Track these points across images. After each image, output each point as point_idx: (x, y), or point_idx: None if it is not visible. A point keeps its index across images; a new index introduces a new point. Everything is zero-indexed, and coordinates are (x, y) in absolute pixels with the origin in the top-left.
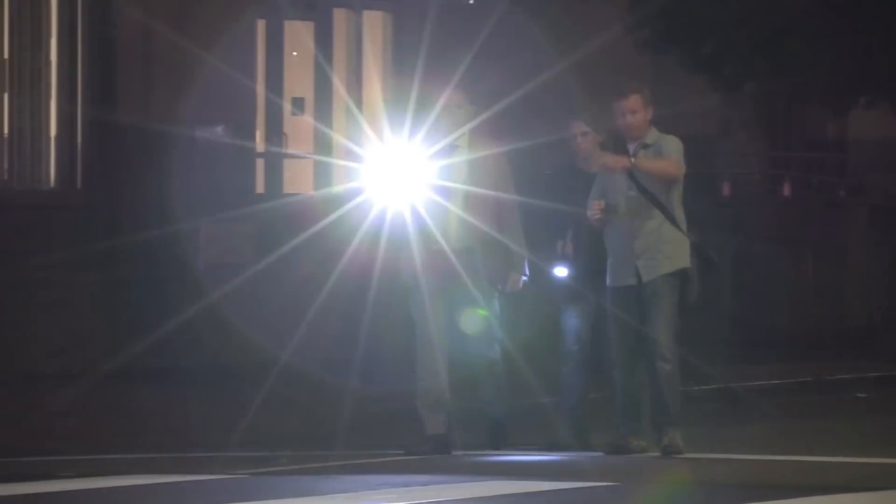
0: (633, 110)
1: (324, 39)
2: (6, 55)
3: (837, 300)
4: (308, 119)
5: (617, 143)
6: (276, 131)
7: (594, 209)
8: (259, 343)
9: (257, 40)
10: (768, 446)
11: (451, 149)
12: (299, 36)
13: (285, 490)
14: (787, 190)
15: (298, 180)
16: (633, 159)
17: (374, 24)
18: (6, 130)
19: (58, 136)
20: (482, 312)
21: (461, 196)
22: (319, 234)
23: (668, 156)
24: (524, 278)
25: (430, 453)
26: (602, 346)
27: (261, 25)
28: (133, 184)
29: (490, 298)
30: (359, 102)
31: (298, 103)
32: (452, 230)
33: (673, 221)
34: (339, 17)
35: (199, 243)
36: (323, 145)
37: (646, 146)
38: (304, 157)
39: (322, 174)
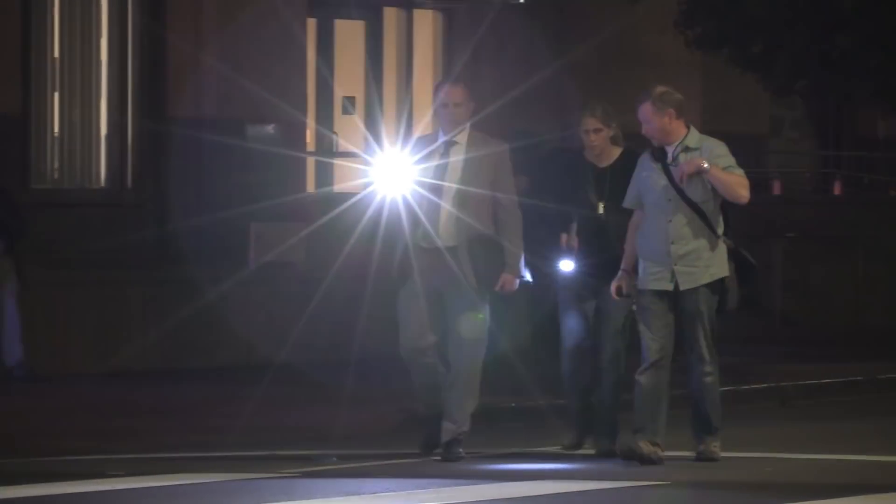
0: (646, 120)
1: (374, 38)
2: (56, 54)
3: (889, 299)
4: (358, 118)
5: (659, 148)
6: (326, 130)
7: (615, 292)
8: (308, 341)
9: (308, 39)
10: (817, 446)
11: (449, 146)
12: (350, 35)
13: (333, 490)
14: (837, 189)
15: (349, 179)
16: (706, 165)
17: (425, 23)
18: (56, 129)
19: (108, 135)
20: (480, 317)
21: (454, 193)
22: (366, 233)
23: (725, 165)
24: (523, 279)
25: (422, 451)
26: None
27: (311, 24)
28: (183, 182)
29: (481, 298)
30: (409, 101)
31: (349, 102)
32: (442, 228)
33: (712, 227)
34: (390, 15)
35: (250, 242)
36: (373, 144)
37: (688, 149)
38: (355, 156)
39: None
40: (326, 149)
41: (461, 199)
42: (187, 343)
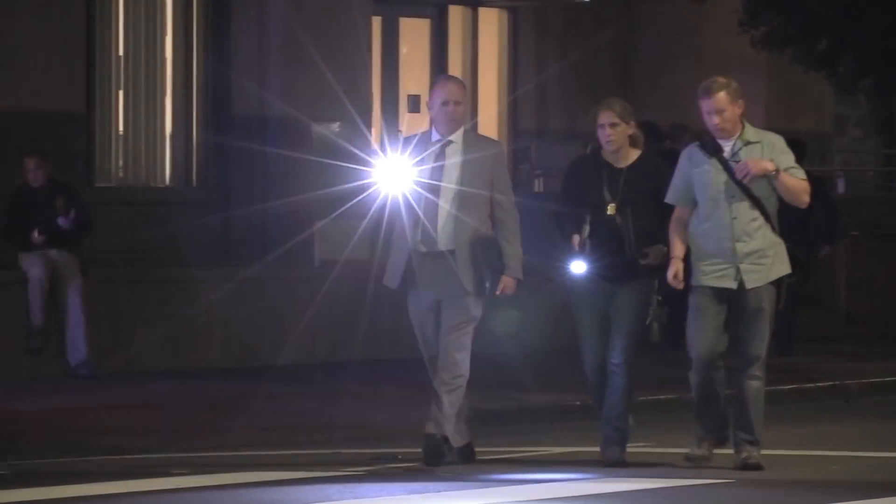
0: (721, 108)
1: (439, 36)
2: (121, 52)
3: None
4: (423, 116)
5: (711, 143)
6: (391, 128)
7: (673, 279)
8: (373, 340)
9: (373, 37)
10: (881, 444)
11: (445, 145)
12: (415, 33)
13: (398, 489)
14: None
15: None
16: (776, 167)
17: (490, 21)
18: (120, 128)
19: (172, 134)
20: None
21: (453, 194)
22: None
23: (787, 165)
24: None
25: (425, 462)
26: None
27: (376, 22)
28: (248, 181)
29: (477, 303)
30: (475, 98)
31: (414, 100)
32: (441, 230)
33: (773, 224)
34: (455, 13)
35: (315, 240)
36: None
37: (749, 143)
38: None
39: None
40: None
41: (460, 200)
42: (251, 341)
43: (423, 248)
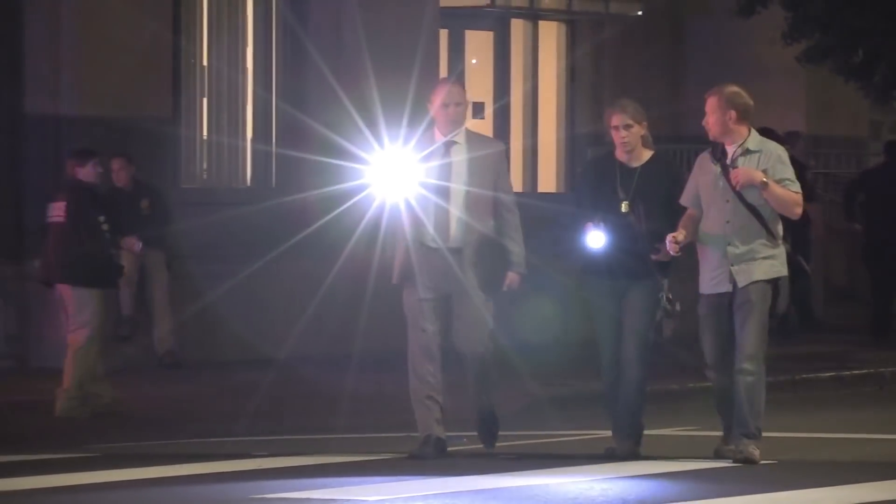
0: (709, 111)
1: (502, 47)
2: (204, 62)
3: None
4: (487, 122)
5: (720, 149)
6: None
7: (672, 246)
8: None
9: (441, 48)
10: None
11: (449, 146)
12: (480, 44)
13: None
14: None
15: None
16: (764, 179)
17: (549, 34)
18: (204, 133)
19: (253, 138)
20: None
21: (460, 194)
22: None
23: (782, 177)
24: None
25: (423, 453)
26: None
27: (444, 34)
28: (323, 183)
29: (487, 300)
30: (535, 106)
31: (479, 107)
32: (449, 229)
33: (769, 230)
34: (517, 26)
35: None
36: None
37: (748, 151)
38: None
39: None
40: None
41: (468, 200)
42: (326, 332)
43: (433, 244)
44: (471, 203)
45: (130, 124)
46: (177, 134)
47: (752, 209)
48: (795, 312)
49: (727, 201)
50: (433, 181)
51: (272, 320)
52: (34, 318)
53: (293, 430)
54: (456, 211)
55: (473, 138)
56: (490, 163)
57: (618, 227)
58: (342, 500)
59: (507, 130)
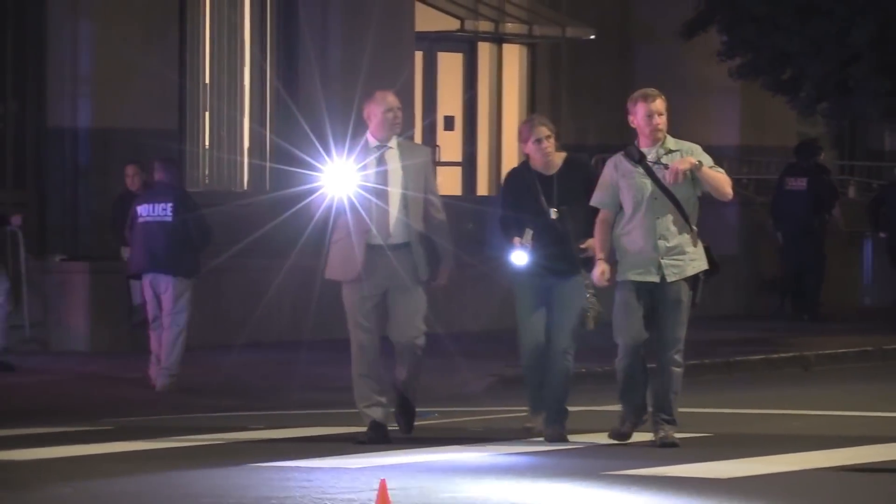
0: (661, 111)
1: (470, 67)
2: (207, 80)
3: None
4: (457, 134)
5: (636, 151)
6: (430, 143)
7: (601, 276)
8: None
9: (416, 68)
10: (835, 404)
11: (384, 151)
12: (450, 65)
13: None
14: (851, 192)
15: (449, 185)
16: (697, 162)
17: (513, 55)
18: (207, 143)
19: (250, 148)
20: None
21: (397, 195)
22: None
23: (710, 165)
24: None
25: (369, 440)
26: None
27: (418, 56)
28: (314, 187)
29: (423, 291)
30: (499, 119)
31: (450, 121)
32: (389, 227)
33: (690, 224)
34: (483, 48)
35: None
36: (469, 155)
37: (670, 151)
38: (456, 164)
39: (468, 179)
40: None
41: (404, 201)
42: (315, 318)
43: (375, 242)
44: (407, 204)
45: (141, 136)
46: (182, 144)
47: (678, 205)
48: (788, 300)
49: (655, 199)
50: (372, 184)
51: (266, 307)
52: (54, 307)
53: (286, 406)
54: (394, 211)
55: (404, 144)
56: (421, 167)
57: (544, 231)
58: (326, 468)
59: (475, 141)
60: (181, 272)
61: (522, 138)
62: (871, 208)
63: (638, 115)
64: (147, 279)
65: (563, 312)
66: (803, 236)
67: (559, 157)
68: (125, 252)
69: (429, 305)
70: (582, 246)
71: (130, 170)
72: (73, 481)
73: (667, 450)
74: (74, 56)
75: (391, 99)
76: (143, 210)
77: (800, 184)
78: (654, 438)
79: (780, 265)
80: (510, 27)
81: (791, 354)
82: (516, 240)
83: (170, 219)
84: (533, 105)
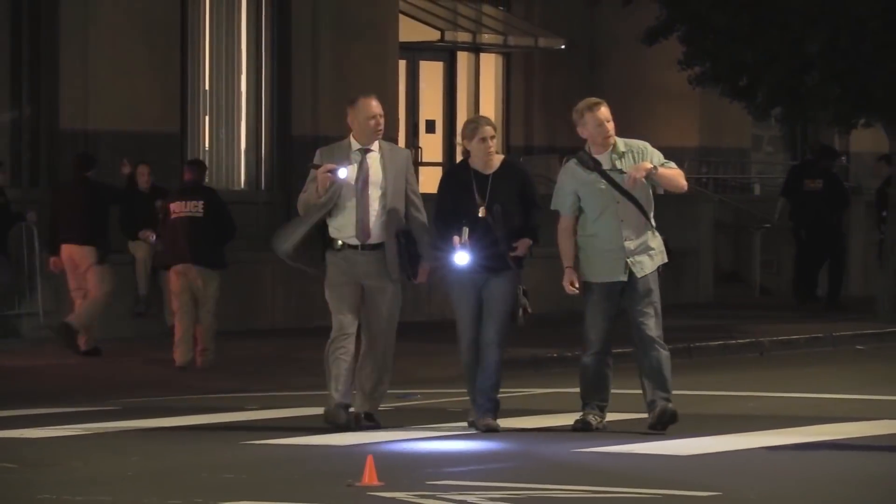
0: (608, 118)
1: (450, 75)
2: (207, 87)
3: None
4: (437, 136)
5: (589, 159)
6: (413, 145)
7: (570, 286)
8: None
9: (399, 75)
10: (787, 386)
11: (366, 153)
12: (431, 72)
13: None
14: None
15: (431, 184)
16: (652, 166)
17: (489, 63)
18: (206, 145)
19: (246, 150)
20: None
21: (378, 196)
22: None
23: (660, 162)
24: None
25: (336, 421)
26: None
27: (402, 64)
28: (303, 186)
29: (400, 287)
30: (496, 131)
31: (431, 124)
32: (370, 227)
33: (650, 221)
34: (462, 57)
35: None
36: (449, 156)
37: (622, 154)
38: (436, 165)
39: None
40: (413, 160)
41: (386, 200)
42: (307, 308)
43: (355, 242)
44: (388, 204)
45: (146, 137)
46: (183, 146)
47: (638, 206)
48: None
49: (617, 202)
50: (358, 185)
51: (261, 298)
52: (66, 297)
53: (280, 388)
54: (373, 211)
55: (385, 147)
56: (402, 170)
57: (478, 229)
58: (318, 444)
59: (454, 143)
60: (211, 264)
61: (466, 136)
62: (876, 206)
63: (588, 126)
64: (178, 270)
65: (494, 308)
66: (824, 233)
67: (497, 159)
68: (131, 245)
69: (413, 294)
70: (514, 245)
71: (142, 169)
72: (82, 457)
73: (633, 429)
74: (84, 65)
75: (374, 105)
76: (175, 207)
77: (817, 184)
78: (651, 417)
79: (796, 263)
80: (487, 38)
81: (747, 340)
82: (456, 239)
83: (200, 215)
84: (508, 109)
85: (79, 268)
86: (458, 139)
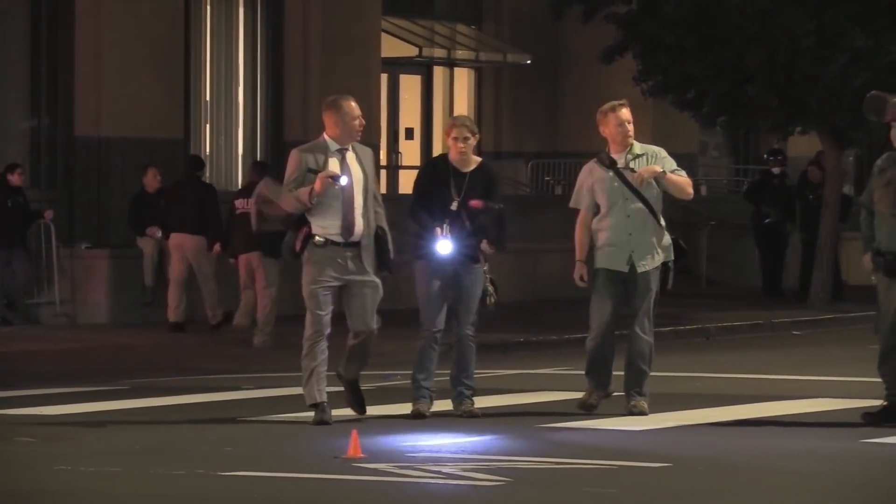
0: (629, 120)
1: (427, 88)
2: (208, 97)
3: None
4: (416, 142)
5: (608, 157)
6: (393, 150)
7: (580, 280)
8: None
9: (381, 87)
10: (731, 368)
11: (344, 153)
12: (410, 85)
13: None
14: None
15: (410, 186)
16: (662, 170)
17: (462, 77)
18: (208, 149)
19: (243, 154)
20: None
21: (359, 194)
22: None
23: (671, 169)
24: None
25: (322, 419)
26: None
27: (384, 77)
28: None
29: (377, 280)
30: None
31: (410, 131)
32: (353, 225)
33: (658, 219)
34: (438, 72)
35: None
36: (426, 160)
37: (637, 155)
38: (414, 168)
39: None
40: (393, 164)
41: (365, 197)
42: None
43: (339, 239)
44: (367, 199)
45: (152, 143)
46: (186, 151)
47: (646, 204)
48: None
49: (626, 199)
50: (339, 185)
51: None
52: (80, 287)
53: (277, 369)
54: (358, 209)
55: (356, 146)
56: (371, 166)
57: (452, 221)
58: (306, 422)
59: (431, 148)
60: (269, 253)
61: (446, 133)
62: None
63: (610, 125)
64: (242, 259)
65: (468, 298)
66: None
67: (475, 161)
68: (140, 241)
69: (394, 284)
70: (484, 241)
71: (152, 172)
72: (95, 432)
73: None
74: (97, 79)
75: (356, 106)
76: (239, 204)
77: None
78: (627, 408)
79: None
80: (460, 54)
81: (695, 326)
82: (439, 230)
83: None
84: (479, 118)
85: (186, 254)
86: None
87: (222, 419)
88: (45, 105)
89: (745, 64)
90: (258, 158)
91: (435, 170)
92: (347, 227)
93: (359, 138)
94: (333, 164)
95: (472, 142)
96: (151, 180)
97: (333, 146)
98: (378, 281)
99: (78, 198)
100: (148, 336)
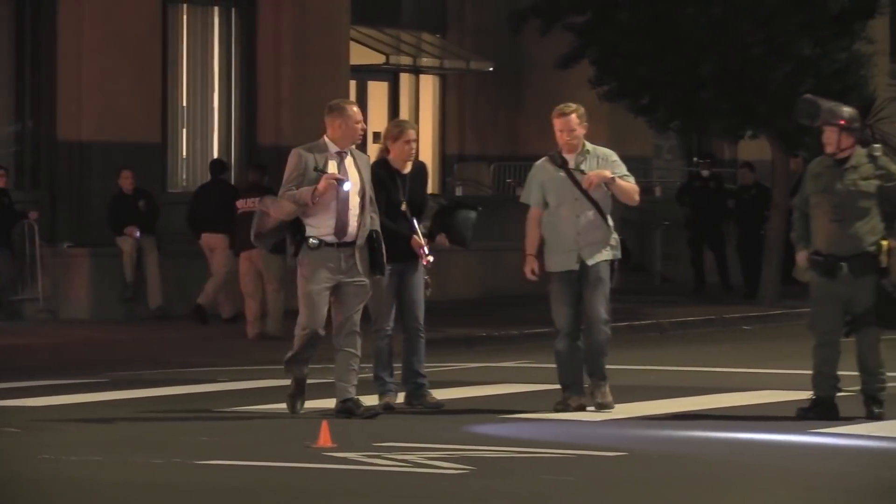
0: (572, 127)
1: (394, 94)
2: (184, 104)
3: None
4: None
5: (558, 157)
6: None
7: (531, 273)
8: None
9: (350, 93)
10: (679, 361)
11: (343, 156)
12: (378, 91)
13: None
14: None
15: None
16: (612, 175)
17: (427, 83)
18: (184, 153)
19: (218, 157)
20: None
21: (356, 196)
22: None
23: (619, 174)
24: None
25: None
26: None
27: (353, 85)
28: (273, 187)
29: (370, 281)
30: (417, 135)
31: (377, 136)
32: (349, 227)
33: (606, 219)
34: (404, 78)
35: None
36: None
37: (586, 153)
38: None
39: None
40: None
41: (363, 200)
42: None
43: (333, 240)
44: (363, 204)
45: (132, 146)
46: (164, 154)
47: (595, 204)
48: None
49: (576, 199)
50: (343, 190)
51: (233, 283)
52: (62, 284)
53: (251, 362)
54: (353, 210)
55: (354, 151)
56: (366, 171)
57: (396, 220)
58: (278, 412)
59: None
60: (273, 250)
61: (392, 136)
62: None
63: (555, 129)
64: (245, 256)
65: (416, 293)
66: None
67: (410, 162)
68: (118, 239)
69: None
70: (425, 239)
71: (125, 174)
72: (77, 423)
73: (552, 398)
74: (78, 85)
75: (358, 111)
76: (240, 203)
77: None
78: (592, 401)
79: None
80: (425, 61)
81: (649, 321)
82: (414, 239)
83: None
84: (444, 123)
85: (214, 251)
86: (381, 139)
87: (199, 410)
88: (30, 110)
89: (698, 71)
90: (229, 160)
91: (385, 173)
92: (341, 227)
93: (358, 141)
94: (332, 166)
95: (416, 144)
96: (125, 182)
97: (333, 148)
98: (368, 283)
99: (60, 199)
100: (127, 330)
